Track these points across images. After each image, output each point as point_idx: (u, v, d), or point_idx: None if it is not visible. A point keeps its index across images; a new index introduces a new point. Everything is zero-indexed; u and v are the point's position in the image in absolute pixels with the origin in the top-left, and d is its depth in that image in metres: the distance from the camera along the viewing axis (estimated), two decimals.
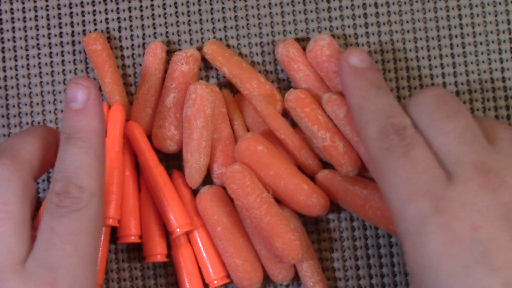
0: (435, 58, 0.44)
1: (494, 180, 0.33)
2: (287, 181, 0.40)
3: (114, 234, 0.42)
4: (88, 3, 0.44)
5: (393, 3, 0.44)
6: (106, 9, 0.44)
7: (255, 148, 0.40)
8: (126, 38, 0.44)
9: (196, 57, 0.42)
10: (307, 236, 0.42)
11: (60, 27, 0.44)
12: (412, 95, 0.41)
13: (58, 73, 0.44)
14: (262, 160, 0.40)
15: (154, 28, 0.44)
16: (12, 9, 0.44)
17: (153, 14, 0.44)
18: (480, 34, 0.44)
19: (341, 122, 0.40)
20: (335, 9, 0.44)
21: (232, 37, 0.44)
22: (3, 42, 0.44)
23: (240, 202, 0.40)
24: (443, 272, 0.31)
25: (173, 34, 0.44)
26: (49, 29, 0.44)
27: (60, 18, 0.44)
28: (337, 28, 0.44)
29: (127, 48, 0.44)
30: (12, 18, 0.44)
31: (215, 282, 0.41)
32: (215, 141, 0.42)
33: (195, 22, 0.44)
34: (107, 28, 0.44)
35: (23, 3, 0.44)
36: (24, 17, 0.44)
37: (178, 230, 0.41)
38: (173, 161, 0.44)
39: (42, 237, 0.34)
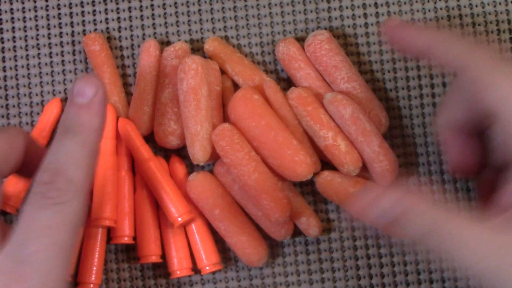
0: None
1: None
2: (277, 133, 0.40)
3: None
4: (88, 3, 0.44)
5: (393, 3, 0.44)
6: (106, 9, 0.44)
7: (251, 96, 0.40)
8: (126, 38, 0.44)
9: (185, 49, 0.43)
10: (302, 198, 0.42)
11: (60, 27, 0.44)
12: None
13: (58, 73, 0.44)
14: (257, 109, 0.40)
15: (154, 28, 0.44)
16: (12, 9, 0.44)
17: (153, 14, 0.44)
18: (480, 34, 0.44)
19: (346, 121, 0.40)
20: (335, 9, 0.44)
21: (232, 37, 0.44)
22: (3, 42, 0.44)
23: (228, 159, 0.40)
24: None
25: (173, 34, 0.44)
26: (49, 29, 0.44)
27: (60, 18, 0.44)
28: (337, 28, 0.44)
29: (127, 48, 0.44)
30: (12, 18, 0.44)
31: (207, 268, 0.42)
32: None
33: (195, 22, 0.44)
34: (107, 28, 0.44)
35: (23, 3, 0.44)
36: (24, 17, 0.44)
37: (179, 219, 0.41)
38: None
39: (19, 229, 0.33)
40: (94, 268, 0.41)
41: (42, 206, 0.33)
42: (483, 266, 0.32)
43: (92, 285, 0.41)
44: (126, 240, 0.41)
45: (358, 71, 0.42)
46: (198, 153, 0.40)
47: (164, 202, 0.41)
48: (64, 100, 0.44)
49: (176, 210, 0.41)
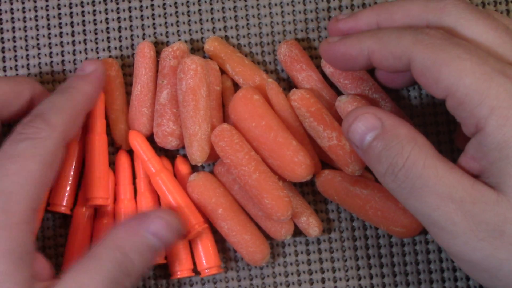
0: None
1: None
2: (277, 134, 0.40)
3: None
4: (88, 3, 0.44)
5: None
6: (106, 9, 0.44)
7: (252, 96, 0.40)
8: (126, 38, 0.44)
9: (183, 50, 0.42)
10: (302, 197, 0.42)
11: (60, 27, 0.44)
12: None
13: (58, 73, 0.44)
14: (257, 109, 0.40)
15: (154, 28, 0.44)
16: (12, 9, 0.44)
17: (153, 14, 0.44)
18: None
19: None
20: (334, 9, 0.44)
21: (232, 37, 0.44)
22: (3, 42, 0.44)
23: (228, 159, 0.40)
24: None
25: (173, 34, 0.44)
26: (49, 29, 0.44)
27: (60, 18, 0.44)
28: None
29: (127, 48, 0.44)
30: (12, 18, 0.44)
31: (207, 271, 0.42)
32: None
33: (195, 22, 0.44)
34: (107, 28, 0.44)
35: (23, 3, 0.44)
36: (24, 17, 0.44)
37: (196, 226, 0.41)
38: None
39: None
40: None
41: (16, 140, 0.34)
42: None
43: None
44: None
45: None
46: (196, 153, 0.40)
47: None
48: None
49: (188, 222, 0.41)
